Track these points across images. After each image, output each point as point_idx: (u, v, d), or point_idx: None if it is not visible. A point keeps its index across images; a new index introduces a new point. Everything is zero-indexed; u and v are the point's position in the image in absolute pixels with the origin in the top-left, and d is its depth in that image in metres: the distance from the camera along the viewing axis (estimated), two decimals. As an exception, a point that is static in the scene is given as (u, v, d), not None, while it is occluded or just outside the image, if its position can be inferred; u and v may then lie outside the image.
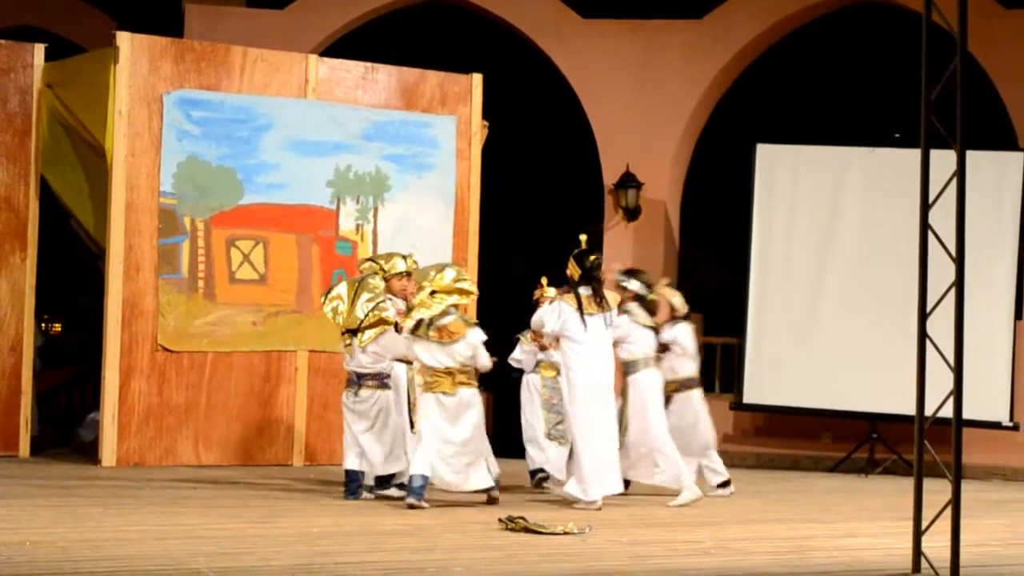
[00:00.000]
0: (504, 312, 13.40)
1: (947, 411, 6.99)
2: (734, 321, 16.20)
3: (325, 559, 7.36)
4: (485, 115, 14.59)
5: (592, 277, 10.73)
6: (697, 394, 11.85)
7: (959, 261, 6.98)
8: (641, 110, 17.07)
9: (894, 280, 14.61)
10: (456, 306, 10.35)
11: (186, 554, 7.33)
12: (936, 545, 7.15)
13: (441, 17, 18.16)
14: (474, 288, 10.64)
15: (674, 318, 11.82)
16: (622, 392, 11.13)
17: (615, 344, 10.96)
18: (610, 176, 17.11)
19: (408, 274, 10.84)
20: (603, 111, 17.16)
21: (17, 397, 13.25)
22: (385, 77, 14.18)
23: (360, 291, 10.61)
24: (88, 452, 13.38)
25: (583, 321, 10.58)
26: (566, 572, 7.36)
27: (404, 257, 11.01)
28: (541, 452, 11.98)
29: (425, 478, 10.03)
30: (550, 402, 12.01)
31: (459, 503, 10.33)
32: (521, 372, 12.32)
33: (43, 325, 16.87)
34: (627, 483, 11.48)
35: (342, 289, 10.76)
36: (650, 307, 11.31)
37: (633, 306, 11.22)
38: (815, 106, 18.95)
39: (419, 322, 10.23)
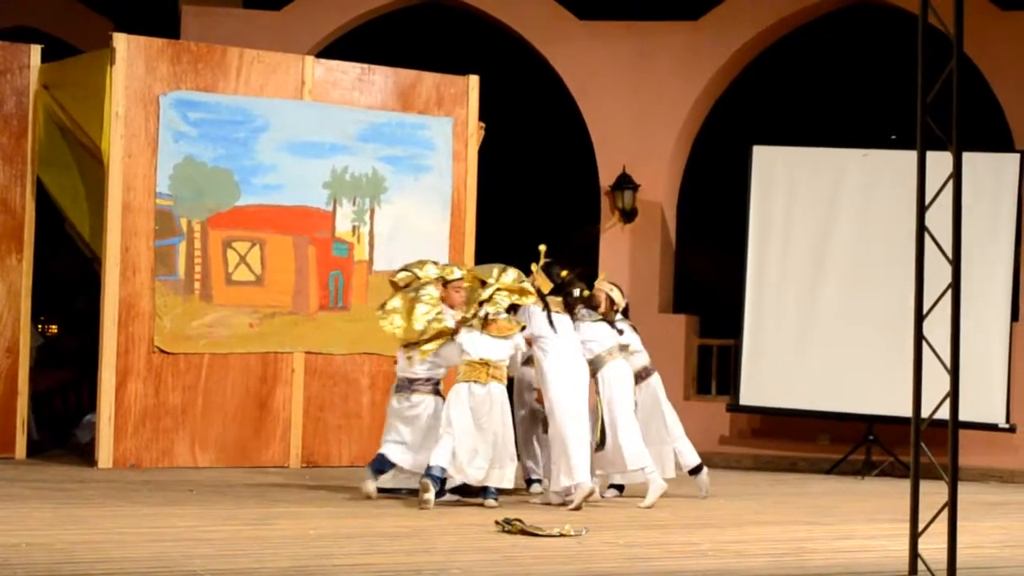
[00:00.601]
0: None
1: (943, 413, 6.98)
2: (731, 323, 16.21)
3: (322, 561, 7.35)
4: (482, 117, 14.58)
5: (565, 292, 10.88)
6: (655, 379, 11.81)
7: (955, 263, 6.97)
8: (637, 112, 17.07)
9: (890, 282, 14.61)
10: (516, 306, 10.55)
11: (182, 556, 7.32)
12: (932, 547, 7.13)
13: (437, 18, 18.16)
14: (533, 291, 10.74)
15: (614, 311, 11.74)
16: (596, 391, 11.13)
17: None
18: (606, 178, 17.11)
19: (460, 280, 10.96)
20: (599, 113, 17.16)
21: (13, 399, 13.23)
22: (381, 78, 14.17)
23: (416, 303, 10.67)
24: (85, 454, 13.36)
25: (551, 322, 10.69)
26: (563, 574, 7.35)
27: (435, 263, 11.10)
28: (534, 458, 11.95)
29: (443, 469, 10.13)
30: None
31: (458, 504, 10.34)
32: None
33: (40, 327, 16.85)
34: (621, 488, 11.50)
35: (397, 303, 10.78)
36: (590, 303, 11.29)
37: (578, 307, 11.23)
38: (811, 108, 18.96)
39: (474, 314, 10.40)
